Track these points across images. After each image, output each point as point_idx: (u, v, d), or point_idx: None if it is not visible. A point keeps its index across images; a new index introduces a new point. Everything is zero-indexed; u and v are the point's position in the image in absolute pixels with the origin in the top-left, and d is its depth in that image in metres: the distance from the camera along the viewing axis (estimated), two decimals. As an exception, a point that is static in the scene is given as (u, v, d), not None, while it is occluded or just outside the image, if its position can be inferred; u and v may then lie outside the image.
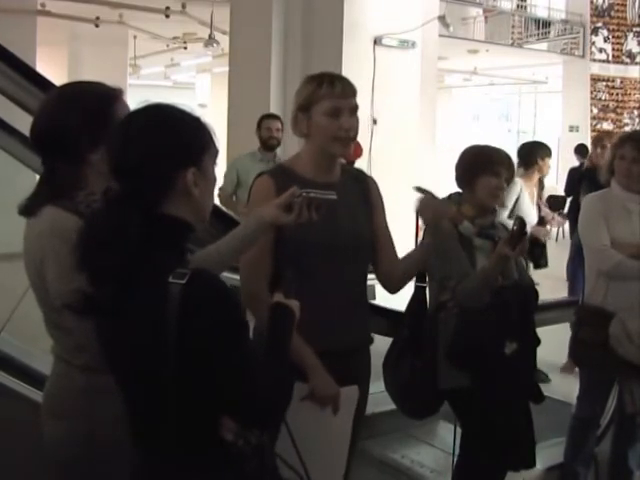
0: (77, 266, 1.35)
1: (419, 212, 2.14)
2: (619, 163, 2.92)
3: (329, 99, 2.00)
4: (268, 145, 5.11)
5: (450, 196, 2.61)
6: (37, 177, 1.81)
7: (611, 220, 2.88)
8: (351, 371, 2.10)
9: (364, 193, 2.17)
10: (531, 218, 4.64)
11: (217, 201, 5.36)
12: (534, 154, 4.77)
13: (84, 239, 1.35)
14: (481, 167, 2.53)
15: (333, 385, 1.93)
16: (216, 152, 1.46)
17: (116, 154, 1.39)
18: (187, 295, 1.27)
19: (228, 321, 1.31)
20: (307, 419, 1.64)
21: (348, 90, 2.03)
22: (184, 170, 1.38)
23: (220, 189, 5.18)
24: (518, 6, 15.25)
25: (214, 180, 1.46)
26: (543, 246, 4.20)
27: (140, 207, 1.35)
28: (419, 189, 2.19)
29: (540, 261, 3.41)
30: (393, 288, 2.24)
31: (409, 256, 2.21)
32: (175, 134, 1.39)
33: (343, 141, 2.02)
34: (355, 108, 2.04)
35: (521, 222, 2.35)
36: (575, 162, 8.06)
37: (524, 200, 4.62)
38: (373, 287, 2.40)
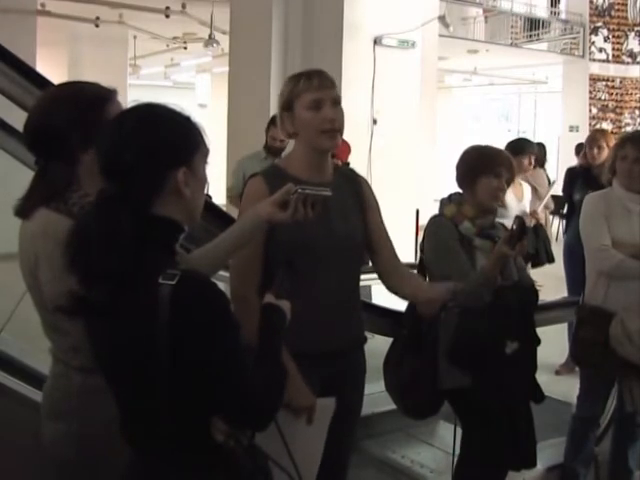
0: (68, 267, 1.34)
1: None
2: (620, 164, 2.92)
3: (309, 92, 2.00)
4: (270, 151, 5.13)
5: (450, 196, 2.61)
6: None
7: (612, 220, 2.88)
8: (345, 372, 2.11)
9: (357, 193, 2.16)
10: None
11: (227, 201, 5.42)
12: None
13: (75, 240, 1.35)
14: (482, 168, 2.53)
15: (309, 396, 1.89)
16: (207, 151, 1.45)
17: (106, 155, 1.39)
18: (177, 296, 1.27)
19: (218, 321, 1.31)
20: (280, 426, 1.61)
21: (326, 82, 2.03)
22: (175, 170, 1.37)
23: (228, 189, 5.29)
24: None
25: (205, 180, 1.46)
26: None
27: (131, 208, 1.34)
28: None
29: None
30: (391, 287, 2.22)
31: (416, 285, 2.22)
32: (165, 134, 1.38)
33: (329, 133, 2.01)
34: (337, 99, 2.03)
35: (521, 222, 2.34)
36: (574, 162, 8.07)
37: (510, 202, 4.57)
38: (369, 287, 2.39)
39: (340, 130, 2.04)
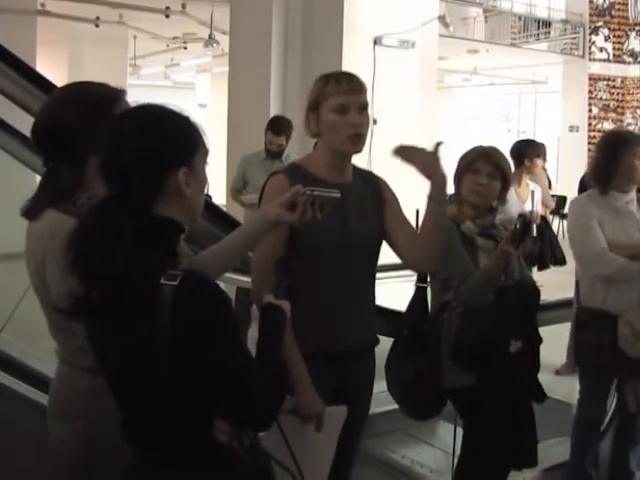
0: (69, 269, 1.34)
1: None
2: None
3: (336, 95, 1.98)
4: (269, 153, 5.15)
5: (450, 197, 2.61)
6: (38, 177, 1.81)
7: (603, 221, 2.84)
8: (355, 372, 2.11)
9: (375, 192, 2.14)
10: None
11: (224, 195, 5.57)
12: (522, 155, 4.69)
13: (76, 242, 1.35)
14: (461, 168, 2.58)
15: (319, 403, 1.88)
16: (206, 151, 1.45)
17: (106, 156, 1.38)
18: (179, 296, 1.26)
19: (220, 322, 1.30)
20: (289, 432, 1.61)
21: (355, 87, 2.00)
22: (175, 170, 1.37)
23: (232, 184, 5.49)
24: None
25: (205, 180, 1.46)
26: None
27: (131, 208, 1.34)
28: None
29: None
30: (425, 266, 2.20)
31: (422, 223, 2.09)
32: (165, 135, 1.38)
33: (352, 138, 1.99)
34: (364, 105, 2.01)
35: (523, 221, 2.34)
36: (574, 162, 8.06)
37: (511, 201, 4.55)
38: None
39: (364, 135, 2.02)
